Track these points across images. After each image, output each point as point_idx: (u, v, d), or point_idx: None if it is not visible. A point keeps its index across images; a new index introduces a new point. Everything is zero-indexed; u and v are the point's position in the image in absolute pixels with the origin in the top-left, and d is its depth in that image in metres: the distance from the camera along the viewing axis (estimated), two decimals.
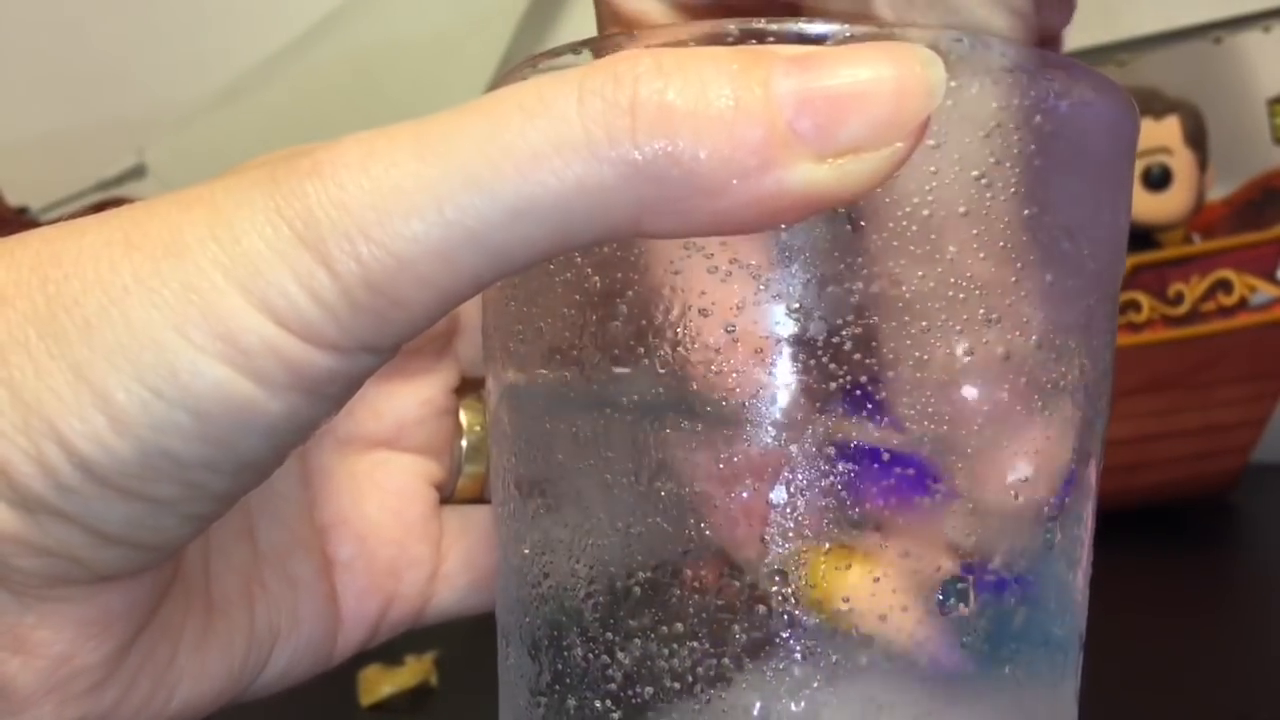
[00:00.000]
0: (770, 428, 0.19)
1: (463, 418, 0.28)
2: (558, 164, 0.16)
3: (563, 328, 0.20)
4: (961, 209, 0.19)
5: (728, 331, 0.19)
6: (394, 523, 0.27)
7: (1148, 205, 0.70)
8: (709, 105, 0.16)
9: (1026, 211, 0.19)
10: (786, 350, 0.19)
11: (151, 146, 0.84)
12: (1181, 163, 0.70)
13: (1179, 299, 0.66)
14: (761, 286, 0.19)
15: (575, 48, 0.20)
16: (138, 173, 0.84)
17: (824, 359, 0.19)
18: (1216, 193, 0.74)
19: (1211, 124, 0.72)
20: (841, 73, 0.16)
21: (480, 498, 0.29)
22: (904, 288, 0.19)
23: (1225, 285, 0.66)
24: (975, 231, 0.19)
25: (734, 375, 0.19)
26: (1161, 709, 0.47)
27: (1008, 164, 0.19)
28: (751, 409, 0.19)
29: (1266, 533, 0.72)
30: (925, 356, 0.19)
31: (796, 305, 0.19)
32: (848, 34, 0.18)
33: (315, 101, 0.81)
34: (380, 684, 0.48)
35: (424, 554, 0.27)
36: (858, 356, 0.19)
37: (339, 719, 0.48)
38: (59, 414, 0.17)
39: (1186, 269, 0.67)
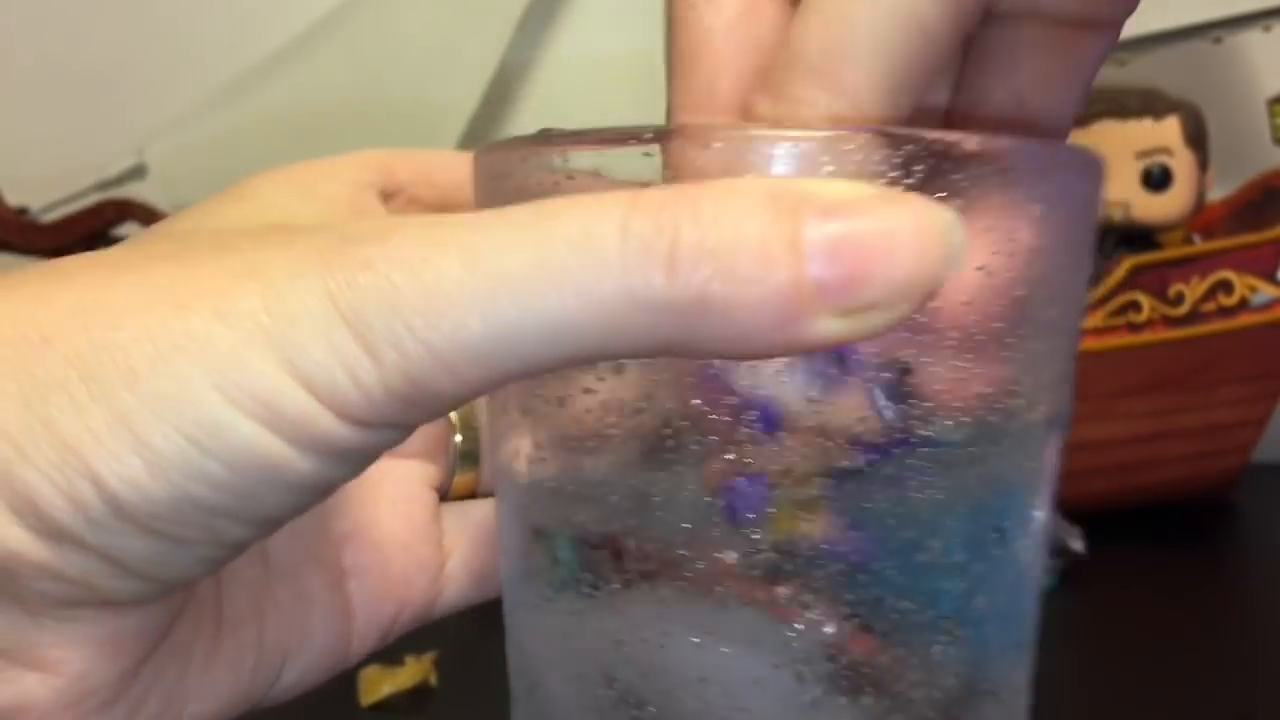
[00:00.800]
0: (770, 490, 0.20)
1: (453, 416, 0.29)
2: (595, 300, 0.17)
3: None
4: (964, 299, 0.20)
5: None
6: (405, 528, 0.28)
7: (1148, 205, 0.70)
8: (741, 263, 0.17)
9: (1020, 292, 0.21)
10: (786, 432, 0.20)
11: (151, 146, 0.84)
12: (1181, 163, 0.70)
13: (1179, 299, 0.66)
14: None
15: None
16: (138, 173, 0.83)
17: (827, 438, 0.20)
18: (1216, 193, 0.74)
19: (1211, 124, 0.72)
20: (872, 235, 0.17)
21: (473, 494, 0.30)
22: (909, 376, 0.20)
23: (1225, 285, 0.66)
24: (975, 319, 0.20)
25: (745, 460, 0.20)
26: (1162, 709, 0.47)
27: (1005, 254, 0.20)
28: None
29: (1266, 533, 0.72)
30: (926, 432, 0.20)
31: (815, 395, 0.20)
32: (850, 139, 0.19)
33: (315, 101, 0.81)
34: (380, 684, 0.49)
35: (430, 555, 0.28)
36: (858, 433, 0.20)
37: (339, 719, 0.48)
38: (96, 455, 0.18)
39: (1187, 269, 0.67)
